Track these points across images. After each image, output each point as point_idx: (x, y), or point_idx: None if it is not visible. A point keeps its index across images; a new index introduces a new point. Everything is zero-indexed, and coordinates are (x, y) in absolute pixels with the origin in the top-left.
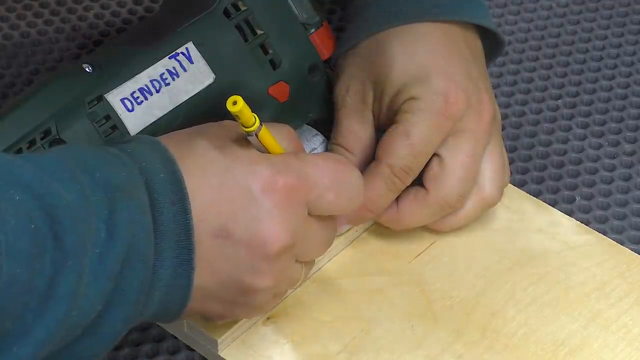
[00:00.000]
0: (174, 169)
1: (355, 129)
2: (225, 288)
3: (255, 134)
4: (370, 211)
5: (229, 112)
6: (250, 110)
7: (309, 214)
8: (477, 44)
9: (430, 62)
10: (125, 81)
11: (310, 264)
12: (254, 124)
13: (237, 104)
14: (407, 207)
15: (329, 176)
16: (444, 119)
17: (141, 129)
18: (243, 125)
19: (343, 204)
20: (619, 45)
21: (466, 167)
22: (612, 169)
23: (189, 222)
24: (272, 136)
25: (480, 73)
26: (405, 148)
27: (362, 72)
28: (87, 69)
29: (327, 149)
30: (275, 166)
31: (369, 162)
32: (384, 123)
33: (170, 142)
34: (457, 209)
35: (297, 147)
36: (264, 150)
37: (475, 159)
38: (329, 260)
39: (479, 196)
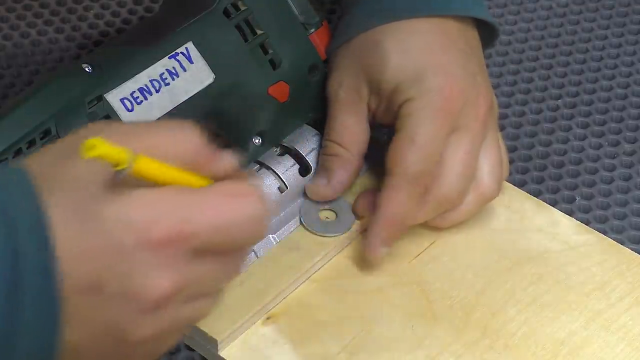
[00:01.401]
0: (38, 217)
1: (349, 123)
2: (101, 343)
3: (129, 171)
4: (401, 225)
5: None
6: (113, 147)
7: (201, 252)
8: (474, 35)
9: (424, 59)
10: (125, 81)
11: (219, 291)
12: (124, 160)
13: (94, 148)
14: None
15: (218, 215)
16: (443, 115)
17: None
18: (112, 165)
19: (238, 241)
20: (619, 45)
21: (465, 164)
22: (612, 169)
23: (53, 278)
24: (154, 163)
25: (478, 66)
26: (413, 154)
27: (355, 67)
28: (87, 69)
29: None
30: (152, 212)
31: (363, 156)
32: (381, 118)
33: (39, 175)
34: (457, 205)
35: (197, 154)
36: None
37: (473, 155)
38: (328, 261)
39: (477, 191)
